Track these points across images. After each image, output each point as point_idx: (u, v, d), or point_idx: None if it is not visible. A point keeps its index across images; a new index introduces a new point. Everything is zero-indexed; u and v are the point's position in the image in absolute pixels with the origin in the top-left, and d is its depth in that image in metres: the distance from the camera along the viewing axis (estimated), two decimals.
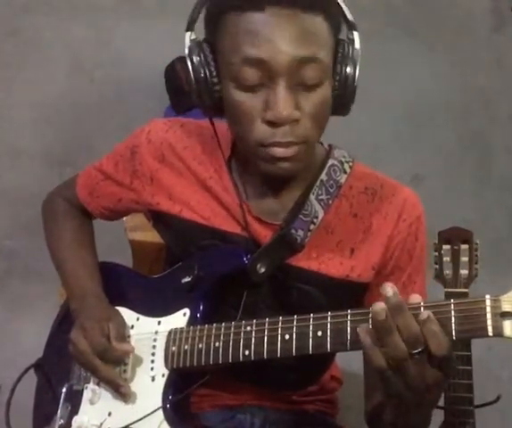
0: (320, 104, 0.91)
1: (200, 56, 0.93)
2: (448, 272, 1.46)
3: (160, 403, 0.97)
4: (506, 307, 0.76)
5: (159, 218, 1.11)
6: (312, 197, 1.01)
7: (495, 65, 2.40)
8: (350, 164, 1.04)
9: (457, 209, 2.16)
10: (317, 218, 1.00)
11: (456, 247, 1.47)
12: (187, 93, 0.96)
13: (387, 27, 2.35)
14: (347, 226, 1.03)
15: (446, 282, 1.46)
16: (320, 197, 1.01)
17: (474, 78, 2.38)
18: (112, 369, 1.01)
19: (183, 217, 1.07)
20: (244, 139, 0.93)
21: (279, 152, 0.91)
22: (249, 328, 0.92)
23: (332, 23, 0.91)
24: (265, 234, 1.02)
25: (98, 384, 1.04)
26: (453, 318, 0.77)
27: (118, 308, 1.09)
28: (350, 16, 0.95)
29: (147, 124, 1.11)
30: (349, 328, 0.83)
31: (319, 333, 0.86)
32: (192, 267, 1.03)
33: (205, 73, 0.93)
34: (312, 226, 1.00)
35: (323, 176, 1.02)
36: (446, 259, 1.47)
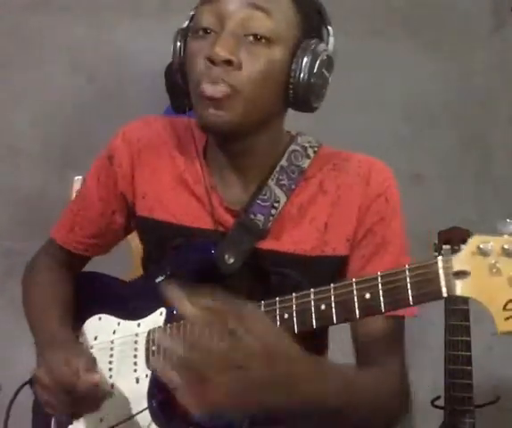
0: (264, 64, 0.94)
1: (180, 39, 1.02)
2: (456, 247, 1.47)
3: (145, 404, 0.97)
4: (457, 266, 0.78)
5: (135, 221, 1.12)
6: (271, 182, 1.02)
7: (495, 65, 2.39)
8: (315, 149, 1.05)
9: (457, 209, 2.16)
10: (278, 202, 1.01)
11: (456, 247, 1.47)
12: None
13: (387, 27, 2.35)
14: (318, 204, 1.03)
15: None
16: (282, 182, 1.02)
17: (474, 78, 2.38)
18: (75, 403, 0.97)
19: (154, 218, 1.07)
20: (191, 86, 0.98)
21: (208, 89, 0.94)
22: None
23: (299, 8, 0.96)
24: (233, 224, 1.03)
25: None
26: (409, 285, 0.80)
27: (99, 315, 1.09)
28: (327, 19, 1.00)
29: (120, 129, 1.12)
30: (313, 307, 0.86)
31: (286, 316, 0.88)
32: (164, 267, 1.04)
33: (180, 52, 1.01)
34: (274, 211, 1.01)
35: (283, 162, 1.03)
36: None
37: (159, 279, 1.04)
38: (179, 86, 1.03)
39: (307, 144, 1.05)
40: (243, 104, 0.94)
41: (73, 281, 1.18)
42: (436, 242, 1.49)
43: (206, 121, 0.96)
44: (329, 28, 1.01)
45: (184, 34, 1.02)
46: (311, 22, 0.99)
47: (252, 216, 1.01)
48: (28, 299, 1.17)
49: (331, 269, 1.03)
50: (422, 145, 2.31)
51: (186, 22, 1.03)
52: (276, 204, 1.01)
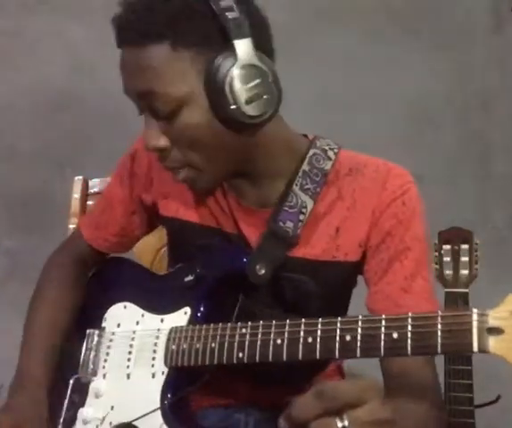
0: (184, 131, 0.90)
1: None
2: (448, 272, 1.46)
3: (158, 402, 0.97)
4: (492, 322, 0.73)
5: (160, 220, 1.13)
6: (296, 188, 1.00)
7: (495, 65, 2.39)
8: (335, 151, 1.03)
9: (457, 209, 2.16)
10: (305, 207, 1.00)
11: (456, 247, 1.47)
12: None
13: (387, 27, 2.35)
14: (335, 211, 1.02)
15: (446, 282, 1.46)
16: (306, 187, 1.00)
17: (474, 78, 2.38)
18: None
19: (179, 217, 1.08)
20: None
21: (173, 176, 0.97)
22: (244, 330, 0.91)
23: (185, 45, 0.87)
24: (254, 227, 1.03)
25: (104, 377, 1.05)
26: (439, 332, 0.75)
27: (125, 303, 1.09)
28: (230, 23, 0.87)
29: None
30: (338, 336, 0.82)
31: (310, 340, 0.84)
32: (194, 266, 1.03)
33: None
34: (302, 216, 0.99)
35: (305, 167, 1.01)
36: (446, 259, 1.47)
37: (188, 278, 1.04)
38: None
39: (326, 147, 1.03)
40: (204, 172, 0.95)
41: (85, 284, 1.20)
42: (436, 242, 1.49)
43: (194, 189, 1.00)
44: (228, 31, 0.87)
45: None
46: (207, 39, 0.88)
47: (281, 223, 0.99)
48: (31, 314, 1.18)
49: (342, 275, 1.03)
50: (422, 145, 2.31)
51: None
52: (303, 209, 0.99)
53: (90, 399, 1.04)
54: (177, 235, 1.11)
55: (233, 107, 0.88)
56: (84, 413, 1.03)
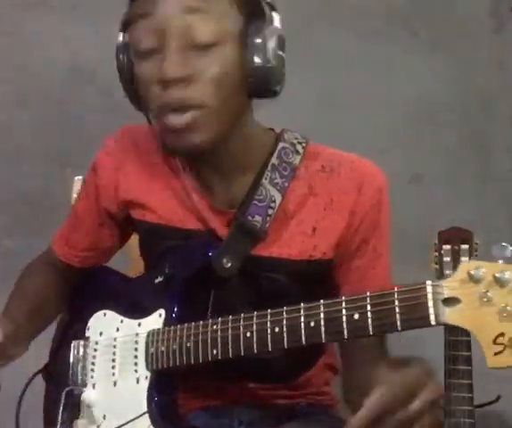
0: (220, 66, 0.91)
1: (123, 54, 0.98)
2: (448, 272, 1.47)
3: (145, 406, 0.98)
4: (447, 292, 0.74)
5: (131, 225, 1.14)
6: (265, 182, 1.00)
7: (495, 65, 2.39)
8: (304, 145, 1.03)
9: (457, 209, 2.16)
10: (274, 202, 0.99)
11: (456, 247, 1.47)
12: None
13: (387, 27, 2.35)
14: (307, 207, 1.02)
15: None
16: (275, 181, 1.00)
17: (474, 78, 2.38)
18: None
19: (146, 220, 1.08)
20: (150, 115, 0.96)
21: (174, 119, 0.91)
22: (215, 327, 0.92)
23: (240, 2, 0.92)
24: (224, 226, 1.03)
25: (93, 387, 1.05)
26: (397, 308, 0.77)
27: (104, 311, 1.10)
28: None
29: (104, 140, 1.14)
30: (302, 323, 0.84)
31: (277, 330, 0.86)
32: (163, 267, 1.04)
33: (126, 69, 0.97)
34: (271, 211, 0.99)
35: (274, 160, 1.01)
36: (446, 259, 1.47)
37: (158, 280, 1.04)
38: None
39: (295, 141, 1.03)
40: (211, 118, 0.92)
41: (58, 286, 1.21)
42: (436, 242, 1.49)
43: (178, 146, 0.95)
44: (271, 3, 0.97)
45: (125, 50, 0.98)
46: (251, 2, 0.95)
47: (250, 217, 0.99)
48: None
49: (321, 273, 1.03)
50: (422, 145, 2.31)
51: (121, 34, 1.00)
52: (272, 204, 1.00)
53: (83, 411, 1.05)
54: (146, 238, 1.12)
55: (264, 66, 0.92)
56: (79, 425, 1.04)
